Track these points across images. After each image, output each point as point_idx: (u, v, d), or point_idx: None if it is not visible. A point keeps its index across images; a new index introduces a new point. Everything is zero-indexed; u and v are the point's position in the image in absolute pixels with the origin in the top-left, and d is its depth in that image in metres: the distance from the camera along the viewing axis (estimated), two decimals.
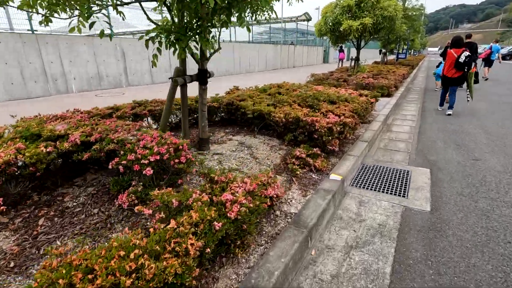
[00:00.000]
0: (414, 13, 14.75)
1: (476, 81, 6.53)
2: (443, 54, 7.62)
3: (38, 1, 2.00)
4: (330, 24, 9.40)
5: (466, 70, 5.89)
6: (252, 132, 3.93)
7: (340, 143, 3.64)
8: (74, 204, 2.15)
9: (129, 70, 10.18)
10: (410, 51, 30.36)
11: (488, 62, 12.46)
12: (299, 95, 4.49)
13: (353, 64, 10.67)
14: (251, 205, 1.75)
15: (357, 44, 9.99)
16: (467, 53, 5.82)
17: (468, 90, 6.47)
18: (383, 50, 17.15)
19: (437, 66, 9.78)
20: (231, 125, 4.29)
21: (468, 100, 6.61)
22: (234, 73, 15.90)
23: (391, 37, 12.12)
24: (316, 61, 27.17)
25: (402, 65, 16.08)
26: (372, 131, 4.58)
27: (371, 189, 2.97)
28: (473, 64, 6.03)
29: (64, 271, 1.13)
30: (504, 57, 31.14)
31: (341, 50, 23.21)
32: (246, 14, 2.90)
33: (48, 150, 2.08)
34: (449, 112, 6.35)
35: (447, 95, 6.70)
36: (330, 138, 3.22)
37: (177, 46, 2.03)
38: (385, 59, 16.95)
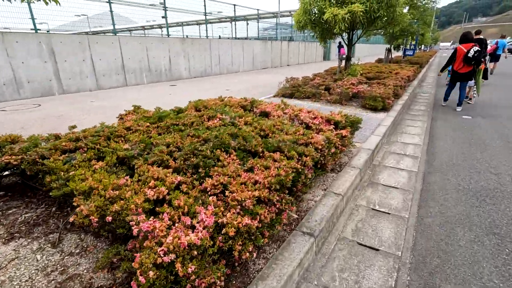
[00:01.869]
0: (424, 1, 12.35)
1: (485, 77, 6.80)
2: None
3: None
4: (312, 13, 7.23)
5: (475, 65, 5.93)
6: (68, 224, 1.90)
7: (239, 259, 1.60)
8: None
9: (62, 74, 8.20)
10: (420, 47, 27.59)
11: (494, 57, 12.47)
12: (196, 135, 2.43)
13: (343, 64, 8.46)
14: None
15: (348, 39, 7.79)
16: (476, 48, 5.80)
17: (475, 86, 6.70)
18: (388, 46, 14.78)
19: None
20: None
21: (474, 96, 6.97)
22: (211, 74, 13.82)
23: (394, 29, 9.86)
24: (315, 58, 24.81)
25: (410, 63, 13.73)
26: (335, 197, 2.49)
27: None
28: (482, 60, 6.07)
29: None
30: None
31: (340, 46, 20.77)
32: None
33: None
34: (458, 109, 6.50)
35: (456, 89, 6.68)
36: None
37: None
38: (390, 57, 14.58)
